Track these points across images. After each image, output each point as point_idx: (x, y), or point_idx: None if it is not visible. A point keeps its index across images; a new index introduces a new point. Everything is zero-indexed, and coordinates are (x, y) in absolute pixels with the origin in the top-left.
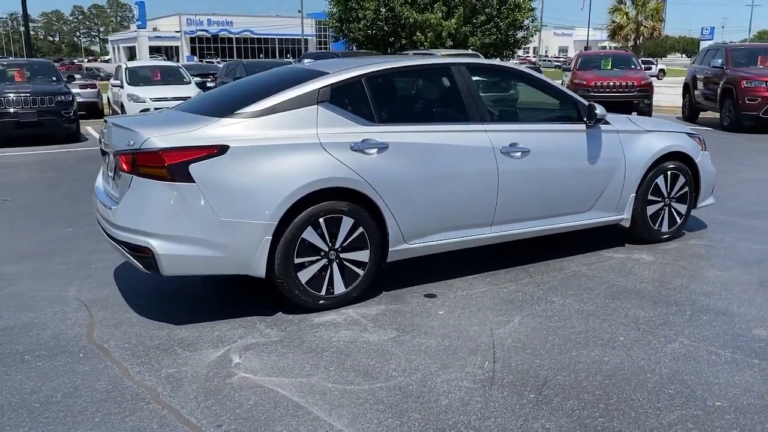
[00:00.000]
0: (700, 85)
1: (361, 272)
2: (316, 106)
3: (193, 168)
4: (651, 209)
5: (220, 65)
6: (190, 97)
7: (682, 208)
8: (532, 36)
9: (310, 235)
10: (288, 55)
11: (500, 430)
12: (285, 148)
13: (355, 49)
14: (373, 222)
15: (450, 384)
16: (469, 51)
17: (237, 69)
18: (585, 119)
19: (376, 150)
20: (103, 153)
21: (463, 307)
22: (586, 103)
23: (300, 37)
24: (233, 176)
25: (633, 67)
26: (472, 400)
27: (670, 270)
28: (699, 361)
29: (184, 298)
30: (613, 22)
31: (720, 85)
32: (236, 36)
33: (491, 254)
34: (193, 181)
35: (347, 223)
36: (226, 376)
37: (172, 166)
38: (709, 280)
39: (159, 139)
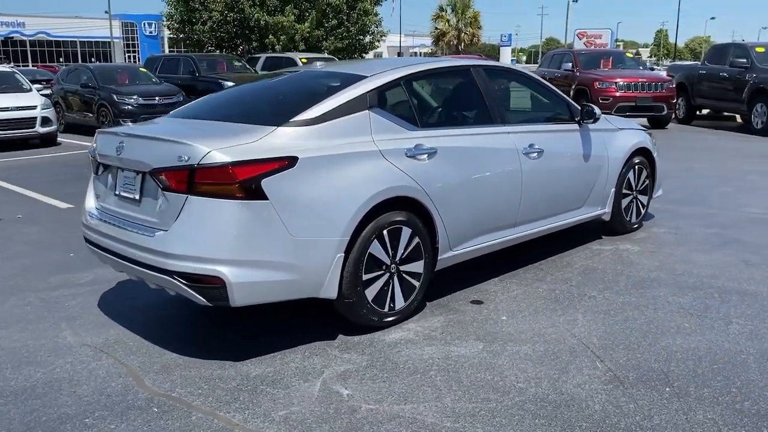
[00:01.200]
0: None
1: (417, 284)
2: (367, 111)
3: (265, 183)
4: (624, 202)
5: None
6: (36, 107)
7: (644, 199)
8: (378, 41)
9: (375, 248)
10: (92, 59)
11: (672, 427)
12: (349, 157)
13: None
14: (425, 231)
15: (584, 388)
16: (325, 55)
17: (81, 73)
18: (580, 119)
19: (426, 156)
20: (100, 170)
21: (519, 310)
22: (577, 105)
23: (108, 40)
24: (304, 190)
25: None
26: (620, 402)
27: (662, 257)
28: None
29: (208, 328)
30: (436, 28)
31: (573, 87)
32: (30, 39)
33: (495, 256)
34: (267, 198)
35: (406, 233)
36: (351, 411)
37: (245, 182)
38: (702, 263)
39: (223, 152)
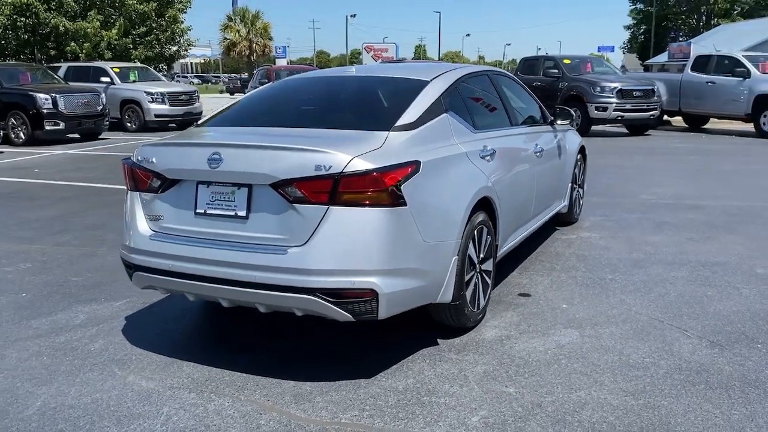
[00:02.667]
0: None
1: (489, 282)
2: (446, 115)
3: (404, 188)
4: (574, 195)
5: None
6: None
7: (581, 191)
8: (186, 50)
9: (470, 249)
10: None
11: None
12: (451, 160)
13: None
14: (493, 230)
15: (699, 355)
16: (137, 64)
17: None
18: (552, 120)
19: (489, 157)
20: (164, 186)
21: (568, 298)
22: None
23: None
24: (428, 194)
25: None
26: (738, 361)
27: (624, 241)
28: None
29: (285, 350)
30: (226, 38)
31: None
32: None
33: None
34: (406, 204)
35: (485, 233)
36: (537, 406)
37: (391, 189)
38: (660, 243)
39: (364, 158)
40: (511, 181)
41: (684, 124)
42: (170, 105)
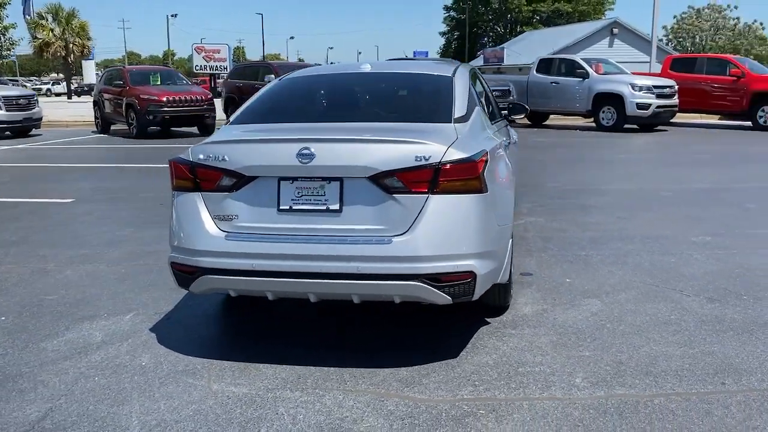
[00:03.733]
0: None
1: (512, 262)
2: (478, 107)
3: (485, 175)
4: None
5: None
6: None
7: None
8: (9, 51)
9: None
10: None
11: None
12: (496, 150)
13: None
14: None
15: (706, 308)
16: None
17: None
18: (508, 114)
19: (505, 148)
20: (238, 184)
21: (566, 274)
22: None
23: None
24: (493, 181)
25: (185, 82)
26: (739, 310)
27: (568, 223)
28: (743, 256)
29: (338, 341)
30: (36, 38)
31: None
32: None
33: None
34: (487, 190)
35: None
36: (619, 363)
37: (480, 175)
38: (598, 223)
39: (455, 148)
40: (513, 171)
41: (527, 121)
42: (7, 110)
